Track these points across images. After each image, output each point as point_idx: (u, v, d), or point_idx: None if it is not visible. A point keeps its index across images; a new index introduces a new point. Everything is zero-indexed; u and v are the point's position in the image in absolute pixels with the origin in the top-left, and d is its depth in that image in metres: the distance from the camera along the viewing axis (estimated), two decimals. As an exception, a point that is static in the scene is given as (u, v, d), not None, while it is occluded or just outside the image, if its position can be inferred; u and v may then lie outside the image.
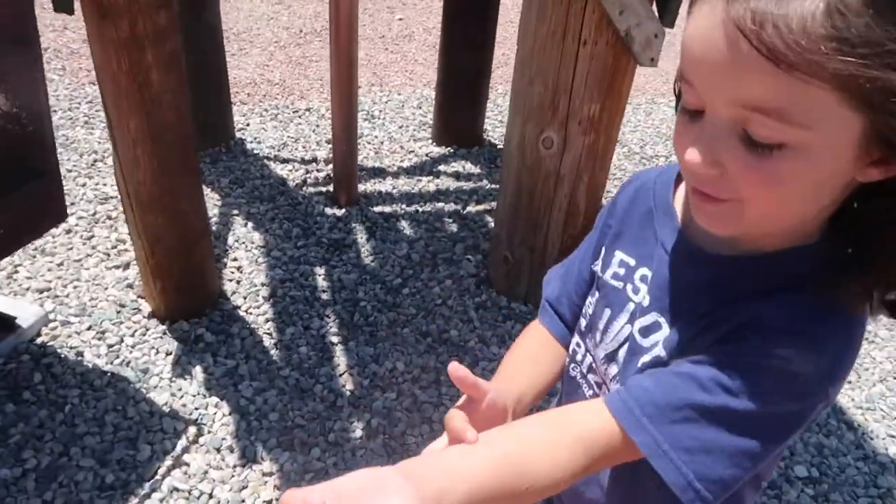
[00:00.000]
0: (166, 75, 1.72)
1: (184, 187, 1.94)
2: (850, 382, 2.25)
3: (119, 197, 2.59)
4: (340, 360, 2.09)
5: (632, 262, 0.73)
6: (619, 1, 1.77)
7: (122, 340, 2.04)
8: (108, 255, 2.37)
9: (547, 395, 0.85)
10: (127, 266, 2.32)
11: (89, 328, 2.07)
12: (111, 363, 1.97)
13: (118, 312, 2.13)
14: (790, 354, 0.57)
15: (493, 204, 2.93)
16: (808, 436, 2.02)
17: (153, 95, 1.72)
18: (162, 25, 1.66)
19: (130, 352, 2.01)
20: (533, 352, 0.85)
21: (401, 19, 5.07)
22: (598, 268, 0.79)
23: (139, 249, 2.01)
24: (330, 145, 3.19)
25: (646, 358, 0.68)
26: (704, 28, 0.51)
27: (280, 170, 3.00)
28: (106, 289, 2.22)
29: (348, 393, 1.99)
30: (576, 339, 0.82)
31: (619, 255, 0.75)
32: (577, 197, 2.15)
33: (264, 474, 1.73)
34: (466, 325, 2.28)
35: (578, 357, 0.81)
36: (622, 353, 0.72)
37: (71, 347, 2.00)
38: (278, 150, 3.15)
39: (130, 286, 2.23)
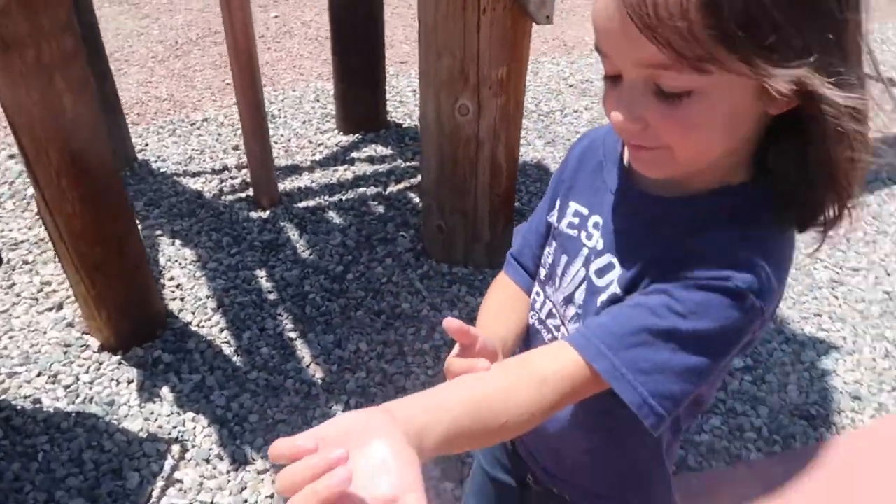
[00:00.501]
0: (79, 98, 1.69)
1: (114, 211, 1.90)
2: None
3: (31, 240, 2.51)
4: (304, 352, 2.13)
5: (585, 210, 0.80)
6: (510, -34, 1.89)
7: (77, 379, 1.99)
8: (37, 299, 2.28)
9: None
10: (60, 307, 2.25)
11: (39, 374, 2.00)
12: (73, 403, 1.93)
13: (65, 353, 2.07)
14: (729, 275, 0.63)
15: (413, 181, 3.02)
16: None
17: (69, 121, 1.69)
18: (68, 50, 1.63)
19: (90, 388, 1.97)
20: (503, 302, 0.92)
21: (276, 16, 5.00)
22: (553, 219, 0.85)
23: (77, 284, 1.96)
24: (238, 151, 3.18)
25: (603, 297, 0.74)
26: (603, 4, 0.59)
27: (193, 184, 2.95)
28: (45, 333, 2.15)
29: (320, 381, 2.04)
30: (536, 288, 0.88)
31: (573, 205, 0.82)
32: (497, 157, 2.27)
33: (259, 472, 1.77)
34: (415, 297, 2.37)
35: (537, 305, 0.87)
36: (579, 294, 0.78)
37: (25, 397, 1.94)
38: (186, 165, 3.09)
39: (70, 325, 2.17)
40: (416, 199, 2.89)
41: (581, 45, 4.61)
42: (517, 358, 0.71)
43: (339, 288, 2.40)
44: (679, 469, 1.84)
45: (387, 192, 2.94)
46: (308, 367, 2.09)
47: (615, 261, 0.73)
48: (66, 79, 1.64)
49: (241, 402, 1.95)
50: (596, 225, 0.77)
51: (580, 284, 0.78)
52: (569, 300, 0.80)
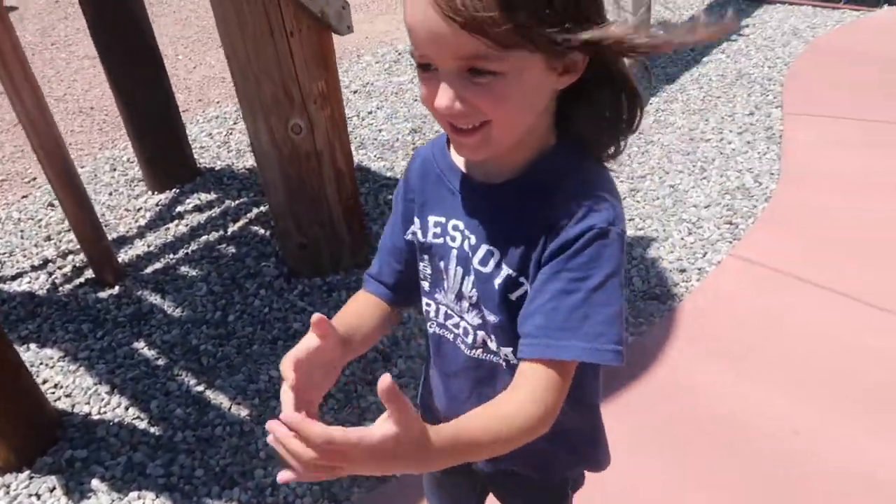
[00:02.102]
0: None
1: (-19, 323, 1.79)
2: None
3: None
4: (219, 398, 2.15)
5: (442, 219, 0.90)
6: (305, -11, 2.06)
7: (-10, 509, 1.85)
8: None
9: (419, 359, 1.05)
10: (-72, 451, 2.03)
11: (-59, 522, 1.83)
12: (-3, 533, 1.79)
13: (-39, 491, 1.90)
14: (591, 222, 0.76)
15: (250, 215, 3.08)
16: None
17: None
18: None
19: (10, 512, 1.84)
20: (356, 308, 0.98)
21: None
22: (418, 236, 0.93)
23: (-42, 412, 1.82)
24: (51, 241, 3.01)
25: (498, 280, 0.84)
26: (417, 9, 0.69)
27: (17, 287, 2.75)
28: (-76, 482, 1.94)
29: (248, 417, 2.08)
30: (425, 300, 0.97)
31: (431, 218, 0.91)
32: (338, 164, 2.44)
33: (230, 515, 1.79)
34: (302, 314, 2.46)
35: (432, 314, 0.96)
36: (465, 287, 0.88)
37: (-63, 548, 1.76)
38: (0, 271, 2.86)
39: (-47, 462, 1.98)
40: (262, 231, 2.95)
41: (347, 53, 4.86)
42: (490, 416, 0.75)
43: (225, 332, 2.42)
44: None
45: (230, 233, 2.96)
46: (230, 409, 2.11)
47: (492, 248, 0.84)
48: None
49: (180, 463, 1.94)
50: (455, 227, 0.88)
51: (463, 278, 0.89)
52: (460, 296, 0.90)
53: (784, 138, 3.36)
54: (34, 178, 3.60)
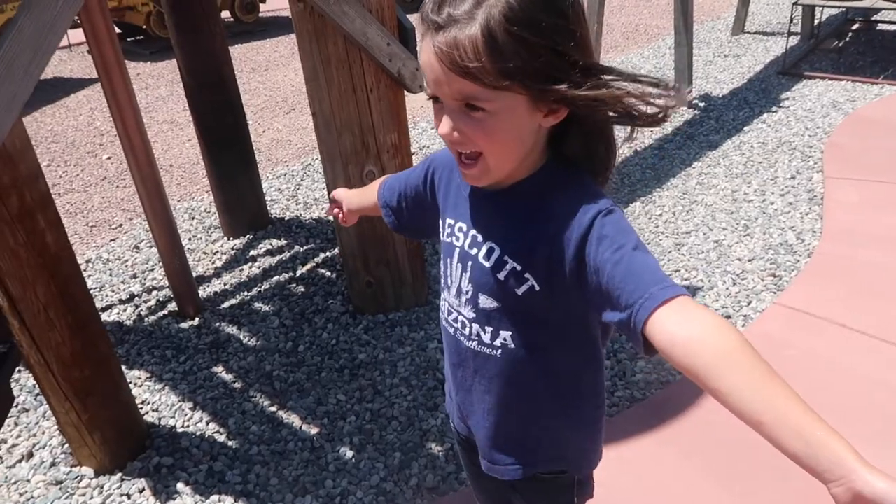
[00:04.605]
0: (57, 234, 1.85)
1: (95, 335, 2.02)
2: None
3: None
4: (291, 418, 2.33)
5: (452, 221, 1.03)
6: (386, 52, 2.34)
7: (87, 507, 2.03)
8: (0, 458, 2.25)
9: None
10: (30, 455, 2.24)
11: (43, 515, 2.01)
12: (93, 527, 1.96)
13: (61, 489, 2.09)
14: (598, 207, 0.85)
15: (317, 260, 3.32)
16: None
17: (53, 257, 1.84)
18: (43, 192, 1.80)
19: (104, 509, 2.02)
20: (371, 199, 1.25)
21: (109, 158, 5.08)
22: (441, 235, 1.06)
23: (66, 413, 2.03)
24: (137, 279, 3.28)
25: (502, 273, 0.93)
26: (426, 56, 0.82)
27: (107, 317, 3.01)
28: (28, 481, 2.14)
29: (318, 434, 2.24)
30: (443, 295, 1.08)
31: (448, 220, 1.04)
32: (405, 209, 2.67)
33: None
34: (367, 347, 2.65)
35: (442, 310, 1.08)
36: (464, 283, 0.99)
37: (41, 537, 1.94)
38: (91, 303, 3.13)
39: (53, 464, 2.18)
40: (328, 273, 3.18)
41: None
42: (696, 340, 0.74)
43: (296, 360, 2.61)
44: (632, 403, 2.29)
45: (299, 275, 3.20)
46: (301, 427, 2.28)
47: (493, 245, 0.94)
48: (46, 218, 1.81)
49: (256, 472, 2.11)
50: (460, 229, 1.00)
51: (461, 275, 0.99)
52: (459, 291, 1.01)
53: (826, 199, 3.49)
54: (120, 225, 3.94)
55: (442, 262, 1.06)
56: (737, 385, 0.67)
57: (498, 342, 0.99)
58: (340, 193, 1.37)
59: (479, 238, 0.97)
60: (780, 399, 0.66)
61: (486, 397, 1.06)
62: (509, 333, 0.97)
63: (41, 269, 1.82)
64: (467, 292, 0.99)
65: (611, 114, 0.84)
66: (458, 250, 1.00)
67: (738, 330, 0.72)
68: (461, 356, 1.06)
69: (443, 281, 1.06)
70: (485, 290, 0.96)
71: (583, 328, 0.98)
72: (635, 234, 0.84)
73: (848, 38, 6.23)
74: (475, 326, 1.00)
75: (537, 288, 0.91)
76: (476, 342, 1.01)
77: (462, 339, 1.04)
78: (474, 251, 0.97)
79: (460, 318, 1.02)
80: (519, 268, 0.91)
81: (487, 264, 0.94)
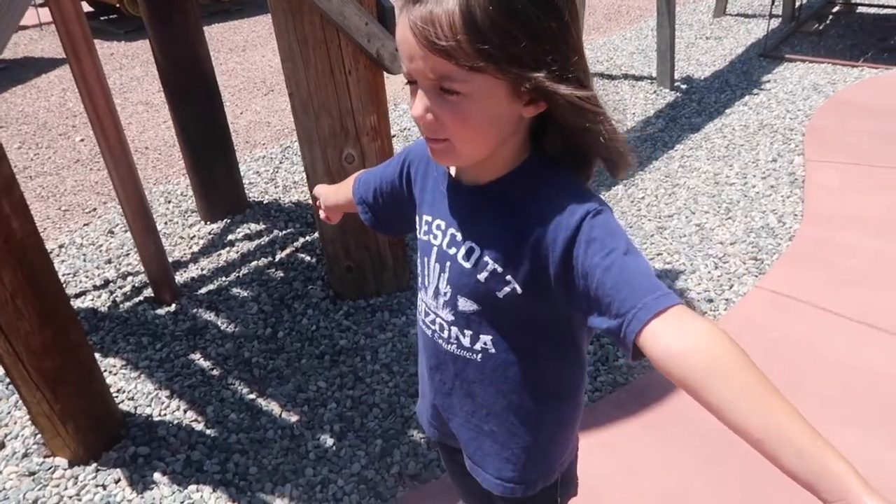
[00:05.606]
0: (24, 220, 1.78)
1: (65, 322, 1.97)
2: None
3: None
4: (271, 405, 2.29)
5: (430, 218, 0.98)
6: (365, 32, 2.28)
7: (62, 498, 1.98)
8: (-31, 448, 2.20)
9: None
10: (1, 445, 2.19)
11: (15, 507, 1.96)
12: (68, 519, 1.92)
13: (34, 480, 2.04)
14: (586, 208, 0.80)
15: (297, 244, 3.26)
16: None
17: (19, 243, 1.77)
18: (7, 175, 1.74)
19: (80, 501, 1.97)
20: (347, 196, 1.22)
21: (82, 140, 4.96)
22: (417, 232, 1.01)
23: (37, 404, 1.97)
24: (111, 265, 3.21)
25: (482, 275, 0.88)
26: (401, 31, 0.78)
27: (81, 304, 2.94)
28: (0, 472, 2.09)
29: (298, 422, 2.21)
30: (419, 295, 1.04)
31: (425, 217, 0.99)
32: (385, 192, 2.62)
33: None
34: (348, 332, 2.62)
35: (419, 311, 1.05)
36: (442, 284, 0.94)
37: (13, 530, 1.89)
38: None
39: (26, 455, 2.13)
40: (308, 258, 3.13)
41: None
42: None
43: (275, 347, 2.57)
44: (614, 388, 2.28)
45: (278, 259, 3.15)
46: (280, 415, 2.25)
47: (474, 244, 0.89)
48: (11, 203, 1.74)
49: (235, 461, 2.07)
50: (438, 227, 0.95)
51: (439, 276, 0.95)
52: (437, 293, 0.96)
53: (806, 182, 3.50)
54: (94, 209, 3.85)
55: (419, 260, 1.02)
56: (734, 401, 0.66)
57: (478, 346, 0.95)
58: (320, 190, 1.33)
59: (459, 237, 0.92)
60: (780, 416, 0.64)
61: (467, 401, 1.03)
62: (490, 337, 0.93)
63: (7, 256, 1.76)
64: (445, 294, 0.94)
65: (587, 125, 0.79)
66: (435, 249, 0.95)
67: (735, 341, 0.70)
68: (440, 359, 1.03)
69: (420, 281, 1.02)
70: (464, 291, 0.92)
71: (566, 331, 0.95)
72: (625, 235, 0.80)
73: (828, 21, 6.24)
74: (454, 329, 0.96)
75: (519, 290, 0.87)
76: (455, 346, 0.98)
77: (440, 342, 1.00)
78: (453, 251, 0.92)
79: (438, 320, 0.98)
80: (500, 269, 0.87)
81: (467, 265, 0.90)
